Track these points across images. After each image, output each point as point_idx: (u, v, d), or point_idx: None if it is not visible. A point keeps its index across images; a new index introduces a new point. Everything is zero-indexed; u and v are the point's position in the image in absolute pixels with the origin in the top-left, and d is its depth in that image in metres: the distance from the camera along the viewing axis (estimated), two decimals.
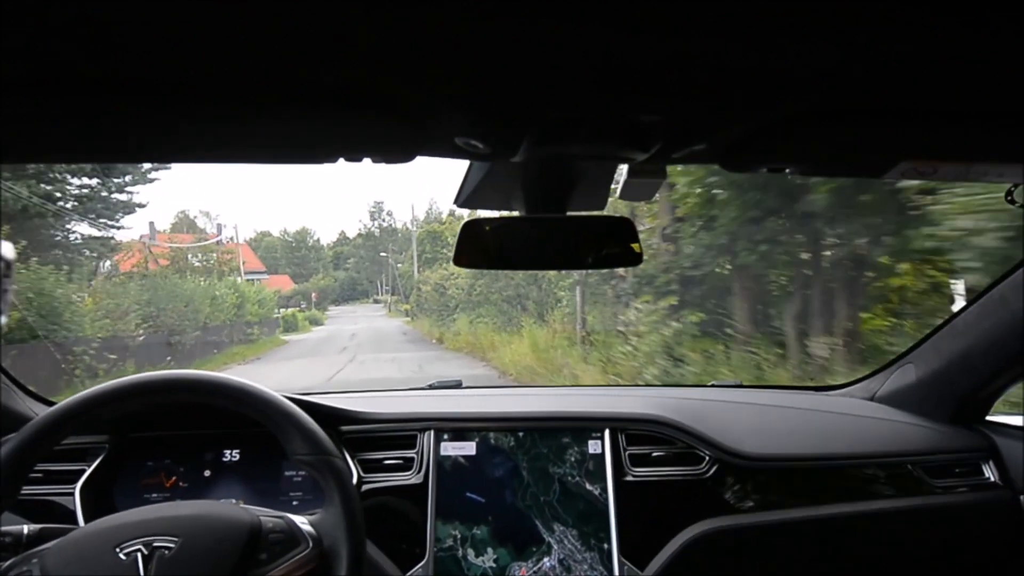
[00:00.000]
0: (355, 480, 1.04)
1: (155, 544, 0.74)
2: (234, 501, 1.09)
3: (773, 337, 4.26)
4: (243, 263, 32.39)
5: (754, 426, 1.22)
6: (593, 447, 1.15)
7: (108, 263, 13.33)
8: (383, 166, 0.61)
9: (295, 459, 0.85)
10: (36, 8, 0.34)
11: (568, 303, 7.98)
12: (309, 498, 1.10)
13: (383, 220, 51.97)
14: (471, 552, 1.09)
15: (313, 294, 33.28)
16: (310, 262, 47.35)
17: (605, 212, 0.82)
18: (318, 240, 52.03)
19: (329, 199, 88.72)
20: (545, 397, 1.37)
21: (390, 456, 1.13)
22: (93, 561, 0.74)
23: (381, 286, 47.53)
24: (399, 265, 37.55)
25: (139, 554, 0.74)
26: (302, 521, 0.82)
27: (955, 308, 1.50)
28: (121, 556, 0.73)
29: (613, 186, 0.78)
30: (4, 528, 0.79)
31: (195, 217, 39.02)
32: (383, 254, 47.30)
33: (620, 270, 5.90)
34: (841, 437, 1.22)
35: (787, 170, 0.66)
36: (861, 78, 0.45)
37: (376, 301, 45.37)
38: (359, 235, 52.61)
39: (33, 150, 0.62)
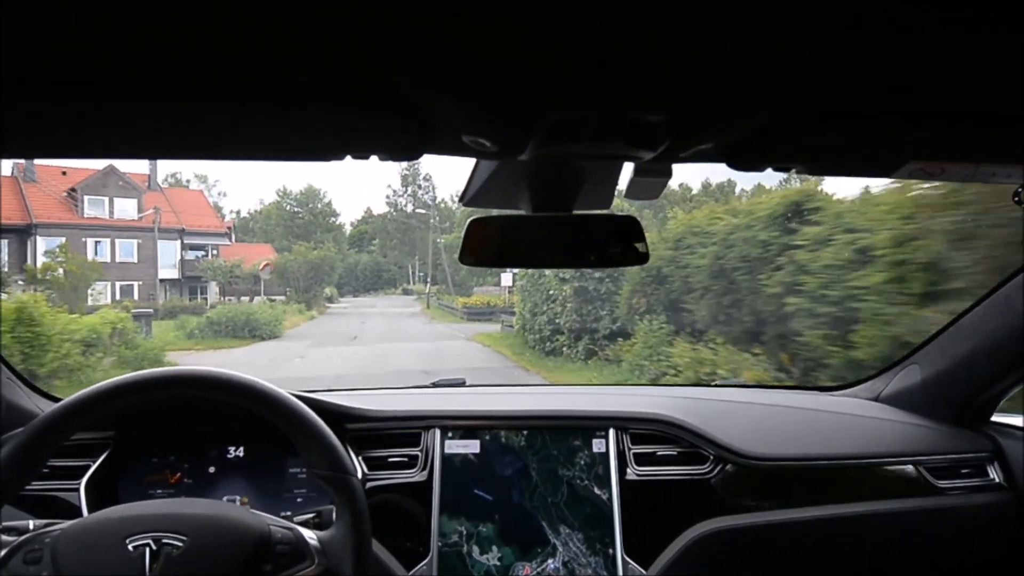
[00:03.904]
0: (359, 477, 1.08)
1: (164, 541, 0.78)
2: (239, 498, 1.15)
3: None
4: (155, 213, 19.37)
5: (758, 426, 1.29)
6: (597, 446, 1.22)
7: None
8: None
9: (311, 472, 0.89)
10: (40, 6, 0.36)
11: None
12: (313, 495, 1.16)
13: (418, 186, 42.49)
14: (476, 549, 1.15)
15: (263, 265, 20.29)
16: (316, 231, 36.80)
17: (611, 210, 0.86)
18: (329, 204, 41.18)
19: (355, 170, 77.50)
20: (549, 396, 1.45)
21: (395, 453, 1.20)
22: (102, 550, 0.78)
23: (414, 272, 40.85)
24: (440, 239, 31.47)
25: (147, 549, 0.78)
26: (311, 536, 0.86)
27: None
28: (130, 548, 0.78)
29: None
30: (8, 524, 0.83)
31: (187, 181, 34.49)
32: (420, 211, 34.53)
33: None
34: (845, 438, 1.28)
35: (794, 169, 0.69)
36: (868, 78, 0.47)
37: (407, 292, 37.99)
38: (388, 205, 44.52)
39: (37, 146, 0.64)
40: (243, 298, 20.34)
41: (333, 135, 0.56)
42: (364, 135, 0.56)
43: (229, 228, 31.44)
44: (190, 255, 23.61)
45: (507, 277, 18.01)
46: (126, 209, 21.91)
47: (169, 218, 22.77)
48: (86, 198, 20.93)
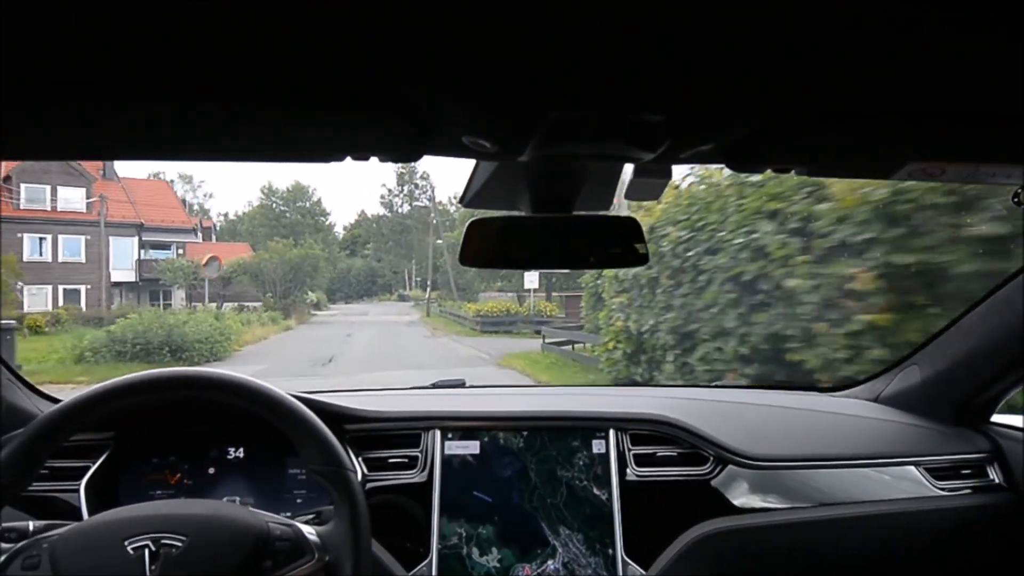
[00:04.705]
0: (359, 478, 1.10)
1: (163, 541, 0.81)
2: (239, 499, 1.19)
3: None
4: (100, 202, 17.18)
5: (758, 427, 1.32)
6: (597, 447, 1.25)
7: None
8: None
9: (309, 468, 0.93)
10: (39, 6, 0.37)
11: None
12: (314, 495, 1.20)
13: (415, 185, 41.16)
14: (475, 551, 1.19)
15: (207, 259, 17.51)
16: (304, 231, 34.10)
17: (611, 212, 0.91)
18: (319, 202, 39.83)
19: (348, 169, 76.14)
20: (549, 397, 1.48)
21: (395, 454, 1.23)
22: (102, 552, 0.80)
23: (410, 277, 39.06)
24: (441, 239, 28.48)
25: (147, 550, 0.80)
26: (310, 531, 0.89)
27: None
28: (129, 550, 0.80)
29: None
30: (8, 524, 0.85)
31: (172, 181, 33.20)
32: (420, 203, 32.46)
33: None
34: (845, 438, 1.32)
35: (793, 171, 0.72)
36: (868, 79, 0.49)
37: (403, 297, 36.64)
38: (383, 206, 43.22)
39: (36, 147, 0.66)
40: (210, 304, 17.26)
41: (332, 136, 0.57)
42: (364, 136, 0.57)
43: (208, 226, 28.34)
44: (154, 254, 20.48)
45: (532, 277, 14.95)
46: (72, 200, 18.86)
47: (126, 210, 19.63)
48: (23, 186, 17.93)
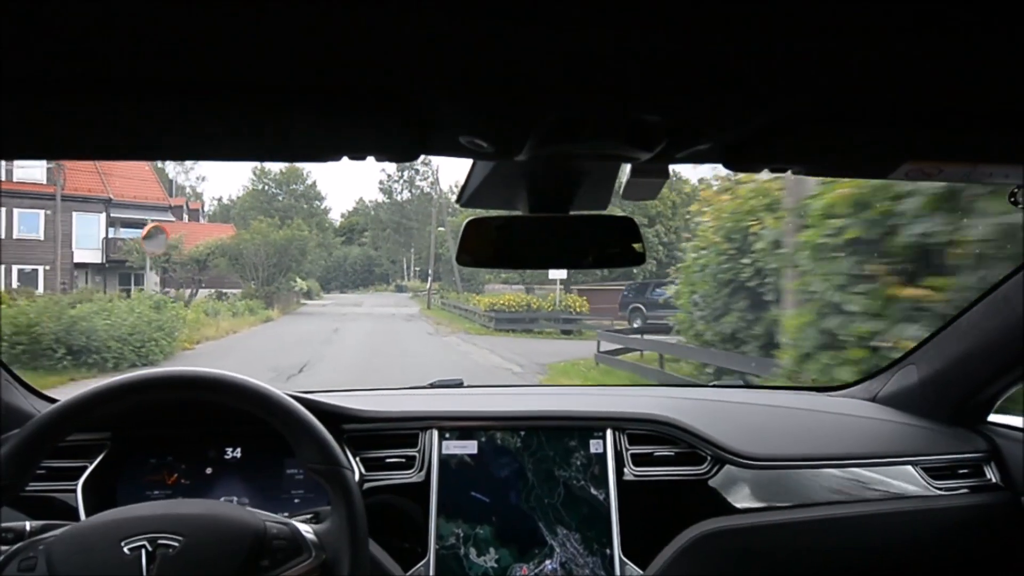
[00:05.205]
0: (357, 478, 1.11)
1: (160, 541, 0.81)
2: (236, 499, 1.20)
3: None
4: (57, 170, 14.90)
5: (756, 427, 1.34)
6: (595, 446, 1.27)
7: None
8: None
9: (305, 466, 0.94)
10: (39, 7, 0.38)
11: None
12: (311, 496, 1.22)
13: (416, 171, 39.39)
14: (473, 551, 1.20)
15: (151, 230, 15.70)
16: (297, 216, 32.53)
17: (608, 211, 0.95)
18: (313, 185, 39.23)
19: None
20: (546, 396, 1.50)
21: (392, 454, 1.24)
22: (98, 553, 0.81)
23: (409, 267, 37.74)
24: (443, 226, 27.67)
25: (143, 550, 0.80)
26: (307, 530, 0.90)
27: None
28: (126, 550, 0.80)
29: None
30: (6, 524, 0.86)
31: (162, 166, 30.79)
32: (422, 182, 31.21)
33: None
34: (843, 438, 1.34)
35: (790, 170, 0.71)
36: (866, 79, 0.50)
37: (400, 288, 35.07)
38: (382, 192, 42.89)
39: (35, 147, 0.67)
40: (184, 290, 15.33)
41: (329, 136, 0.58)
42: (361, 136, 0.58)
43: (196, 208, 26.40)
44: (125, 233, 18.57)
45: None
46: (30, 169, 16.86)
47: (93, 182, 17.64)
48: None
